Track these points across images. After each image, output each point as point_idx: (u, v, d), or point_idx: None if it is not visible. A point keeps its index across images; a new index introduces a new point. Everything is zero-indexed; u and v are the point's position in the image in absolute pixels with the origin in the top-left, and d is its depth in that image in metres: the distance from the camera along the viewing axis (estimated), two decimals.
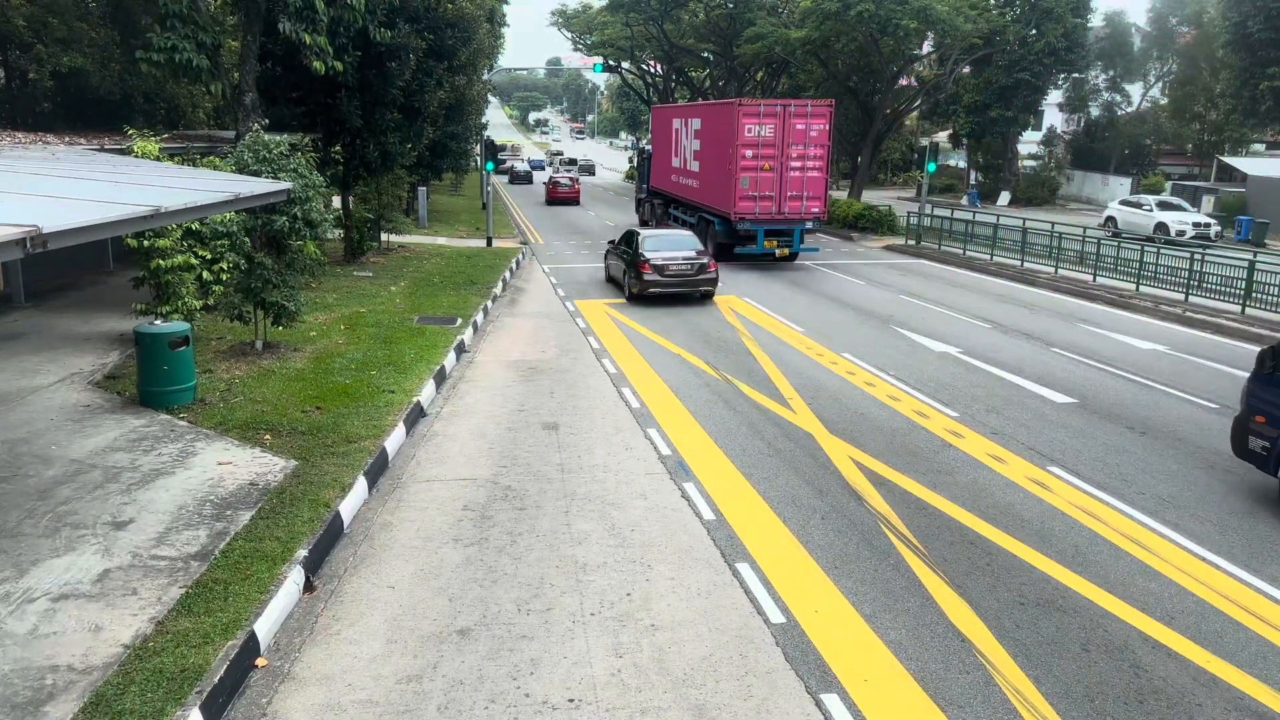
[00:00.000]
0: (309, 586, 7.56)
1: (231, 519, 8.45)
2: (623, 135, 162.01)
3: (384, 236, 27.85)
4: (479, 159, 52.45)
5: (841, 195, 45.52)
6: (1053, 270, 24.79)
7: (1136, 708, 6.11)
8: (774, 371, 14.86)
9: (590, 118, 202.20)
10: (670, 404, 13.05)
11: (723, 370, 14.91)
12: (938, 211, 33.80)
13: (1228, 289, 19.59)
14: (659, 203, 34.43)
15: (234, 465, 9.75)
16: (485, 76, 46.63)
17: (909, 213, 32.96)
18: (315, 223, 13.60)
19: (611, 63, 53.25)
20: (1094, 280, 23.16)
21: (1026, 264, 26.04)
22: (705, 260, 20.97)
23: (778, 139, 25.50)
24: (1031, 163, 62.48)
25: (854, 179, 42.21)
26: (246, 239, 13.63)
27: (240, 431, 10.78)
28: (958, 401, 13.19)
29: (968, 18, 34.60)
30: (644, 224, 35.28)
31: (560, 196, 51.44)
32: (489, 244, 30.52)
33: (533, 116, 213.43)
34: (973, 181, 64.00)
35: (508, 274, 24.70)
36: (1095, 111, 60.33)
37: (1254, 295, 18.81)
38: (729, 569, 7.97)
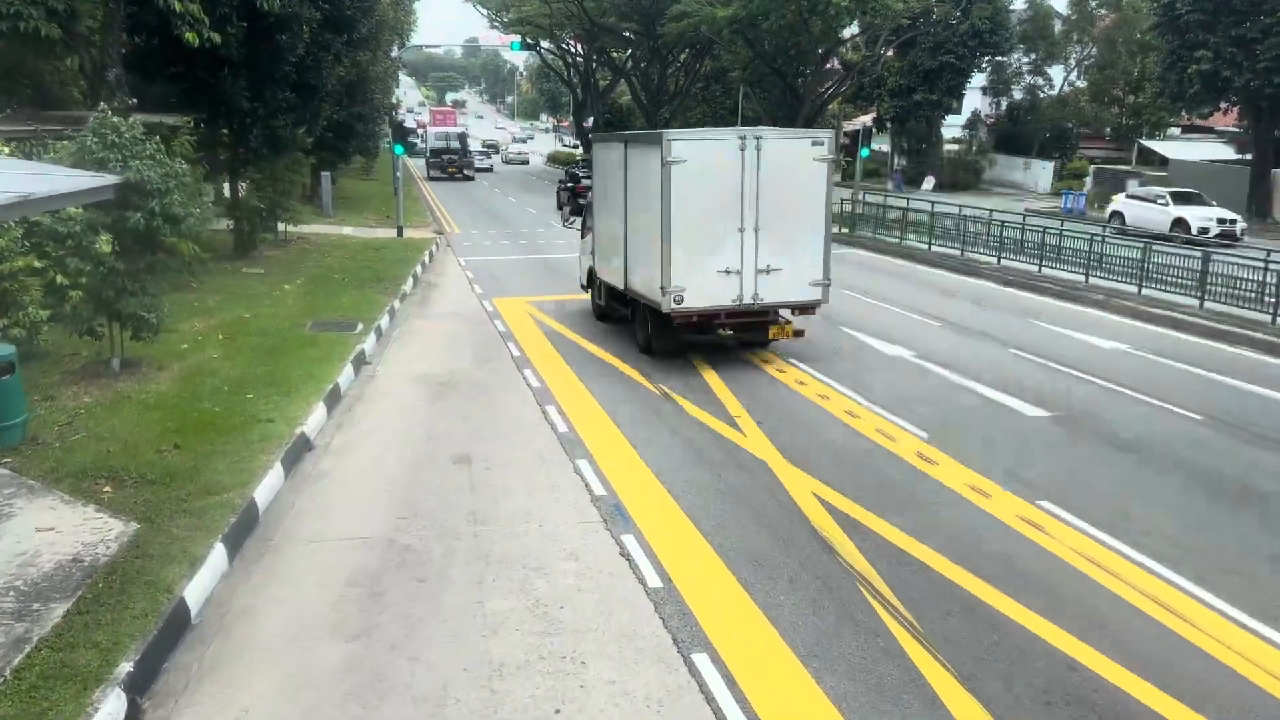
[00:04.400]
0: (133, 717, 5.69)
1: (38, 616, 6.49)
2: (543, 117, 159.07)
3: (281, 227, 25.48)
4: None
5: None
6: (995, 260, 23.76)
7: None
8: (716, 383, 13.28)
9: (510, 99, 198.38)
10: (602, 425, 11.36)
11: (659, 382, 13.28)
12: (870, 198, 32.69)
13: (1181, 281, 18.70)
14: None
15: (57, 532, 7.74)
16: (395, 54, 44.07)
17: (841, 200, 31.73)
18: (177, 218, 11.50)
19: (529, 41, 51.03)
20: (1039, 270, 22.17)
21: (967, 253, 25.00)
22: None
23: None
24: (954, 147, 62.27)
25: None
26: (105, 238, 11.44)
27: (74, 481, 8.73)
28: (922, 417, 11.79)
29: None
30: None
31: None
32: (400, 234, 28.35)
33: (450, 98, 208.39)
34: (896, 165, 63.59)
35: (419, 268, 22.65)
36: (1018, 95, 60.30)
37: (1208, 288, 17.93)
38: (684, 664, 6.33)
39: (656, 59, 55.96)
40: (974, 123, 60.04)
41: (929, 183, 58.09)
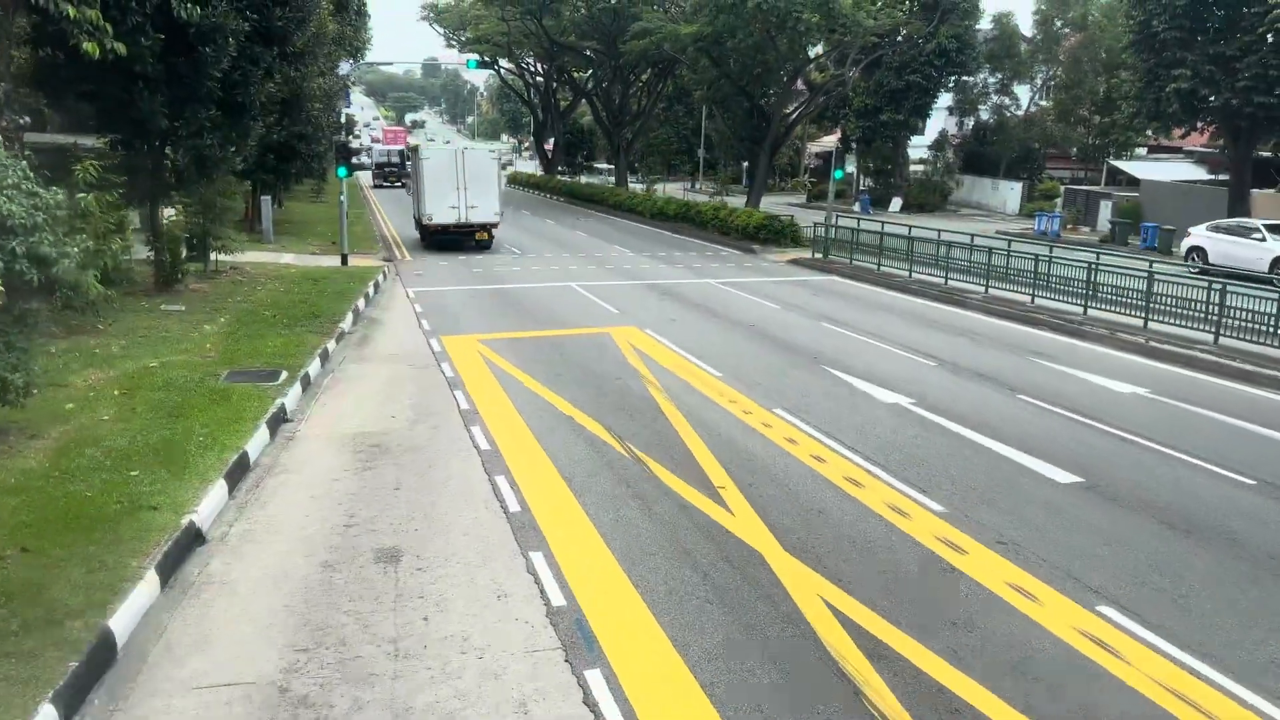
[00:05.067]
0: None
1: None
2: (504, 138, 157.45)
3: (214, 256, 23.39)
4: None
5: (736, 203, 42.87)
6: (982, 289, 22.31)
7: None
8: (695, 441, 11.52)
9: (470, 119, 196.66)
10: (562, 502, 9.54)
11: (629, 441, 11.48)
12: (843, 221, 31.28)
13: (1194, 314, 17.28)
14: None
15: None
16: (345, 70, 42.12)
17: (815, 223, 30.32)
18: (47, 260, 9.53)
19: (487, 59, 49.33)
20: (1033, 301, 20.72)
21: (951, 281, 23.54)
22: None
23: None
24: (920, 168, 61.44)
25: (751, 186, 39.47)
26: None
27: None
28: (937, 485, 10.11)
29: (869, 13, 32.22)
30: None
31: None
32: (344, 262, 26.34)
33: (409, 118, 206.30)
34: (862, 187, 62.61)
35: (362, 302, 20.69)
36: (984, 115, 59.63)
37: (1226, 323, 16.51)
38: None
39: (618, 79, 54.48)
40: (941, 143, 59.22)
41: (896, 204, 57.14)
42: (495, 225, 30.92)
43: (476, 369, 15.22)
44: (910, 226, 28.67)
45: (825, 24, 31.29)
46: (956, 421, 12.48)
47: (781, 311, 20.92)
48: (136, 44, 16.40)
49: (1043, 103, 60.15)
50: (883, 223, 29.69)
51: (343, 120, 39.49)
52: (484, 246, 31.19)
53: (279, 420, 11.92)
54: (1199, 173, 49.59)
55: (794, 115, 38.43)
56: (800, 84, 40.94)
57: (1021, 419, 12.72)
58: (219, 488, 9.33)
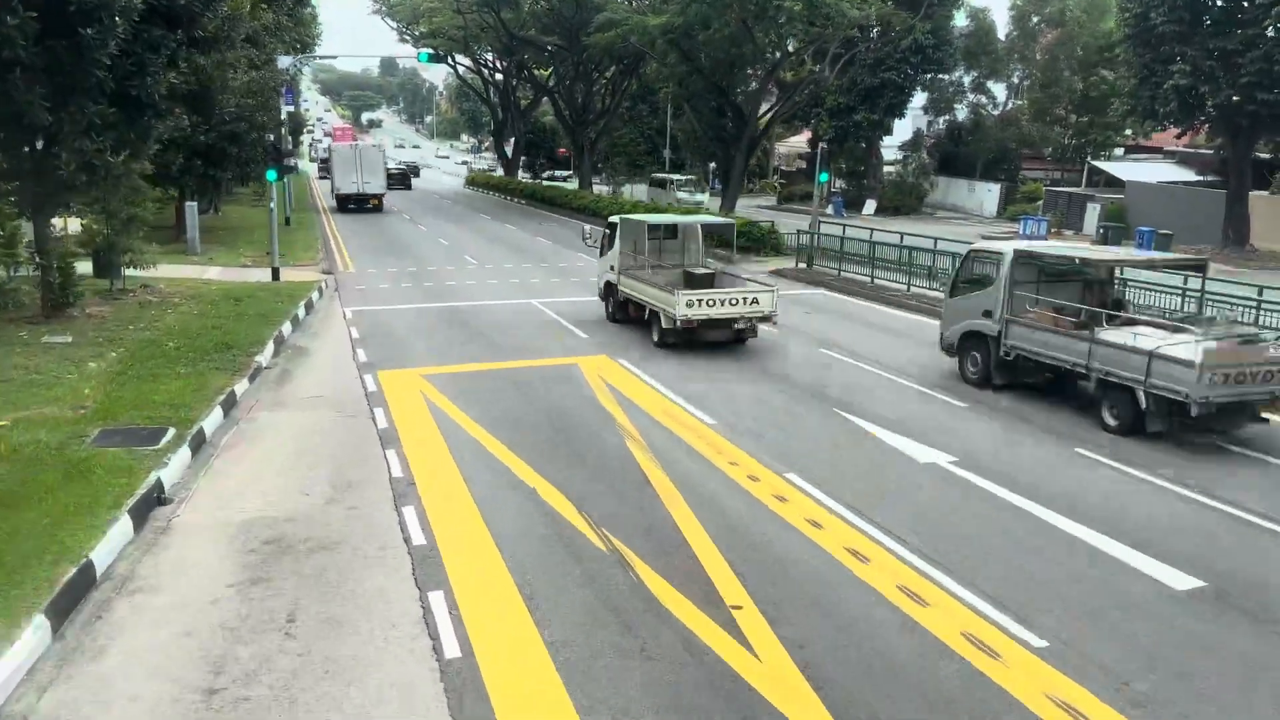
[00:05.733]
0: None
1: None
2: (464, 137, 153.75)
3: (127, 272, 20.41)
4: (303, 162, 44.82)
5: (713, 205, 40.45)
6: None
7: None
8: (693, 528, 8.93)
9: (429, 119, 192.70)
10: (521, 639, 6.91)
11: (609, 527, 8.87)
12: (827, 228, 28.92)
13: None
14: None
15: None
16: (288, 64, 39.01)
17: (799, 231, 27.90)
18: None
19: (441, 53, 46.40)
20: None
21: None
22: None
23: None
24: (891, 169, 59.41)
25: (725, 189, 36.98)
26: None
27: None
28: (1012, 592, 7.64)
29: (852, 3, 29.85)
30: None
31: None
32: (275, 276, 23.42)
33: (366, 117, 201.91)
34: (834, 189, 60.47)
35: (288, 326, 17.86)
36: (961, 114, 57.71)
37: None
38: None
39: (581, 75, 51.79)
40: (916, 143, 57.24)
41: (870, 206, 55.00)
42: (382, 195, 47.26)
43: (417, 416, 12.52)
44: (902, 234, 26.33)
45: (807, 14, 28.89)
46: (1014, 490, 10.01)
47: (774, 334, 18.41)
48: (3, 23, 13.57)
49: (1019, 101, 58.37)
50: (871, 230, 27.33)
51: (284, 118, 36.30)
52: (378, 210, 46.35)
53: (151, 503, 9.15)
54: (1182, 173, 48.04)
55: (770, 113, 35.93)
56: (772, 84, 38.51)
57: (1091, 489, 10.30)
58: (37, 630, 6.59)
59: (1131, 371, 11.67)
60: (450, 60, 58.87)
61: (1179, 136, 43.31)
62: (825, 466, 10.73)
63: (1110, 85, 51.63)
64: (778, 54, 33.86)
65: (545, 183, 62.79)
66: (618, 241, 18.49)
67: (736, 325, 16.38)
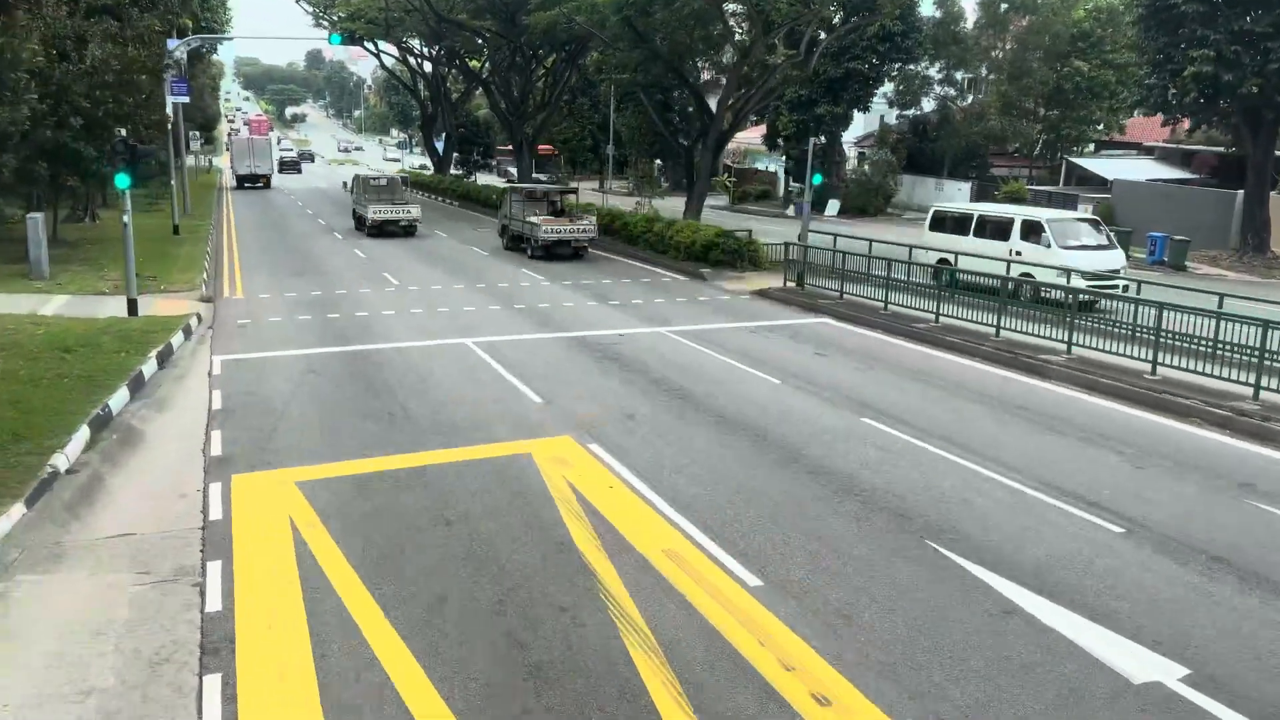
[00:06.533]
0: None
1: None
2: (394, 132, 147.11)
3: None
4: (176, 160, 39.26)
5: (664, 208, 35.85)
6: (1063, 346, 15.67)
7: None
8: None
9: (356, 113, 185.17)
10: None
11: None
12: (816, 238, 24.55)
13: None
14: None
15: None
16: (174, 47, 33.38)
17: (786, 244, 23.39)
18: None
19: (358, 35, 40.94)
20: (1154, 372, 14.15)
21: (1004, 332, 16.87)
22: None
23: None
24: (851, 165, 55.47)
25: (690, 192, 32.35)
26: None
27: None
28: None
29: None
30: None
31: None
32: (132, 311, 18.17)
33: (290, 111, 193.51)
34: (792, 187, 56.35)
35: (122, 394, 12.78)
36: (928, 107, 53.93)
37: None
38: None
39: (518, 63, 46.76)
40: (883, 138, 53.38)
41: (833, 207, 50.95)
42: (270, 175, 60.73)
43: (275, 576, 7.71)
44: (911, 249, 22.07)
45: None
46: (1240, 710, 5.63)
47: (787, 391, 13.88)
48: None
49: (981, 97, 54.71)
50: (870, 242, 22.99)
51: (169, 111, 30.76)
52: (266, 186, 58.79)
53: None
54: (1162, 170, 44.83)
55: (742, 104, 31.40)
56: (742, 72, 33.90)
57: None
58: None
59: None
60: (372, 47, 53.34)
61: (1190, 132, 39.76)
62: (945, 676, 6.21)
63: (1084, 76, 48.44)
64: (747, 36, 29.27)
65: (481, 181, 57.59)
66: (508, 197, 30.30)
67: (573, 244, 27.74)
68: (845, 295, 20.77)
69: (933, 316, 18.13)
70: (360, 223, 34.54)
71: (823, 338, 17.98)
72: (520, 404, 13.07)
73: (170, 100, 32.85)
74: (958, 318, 17.86)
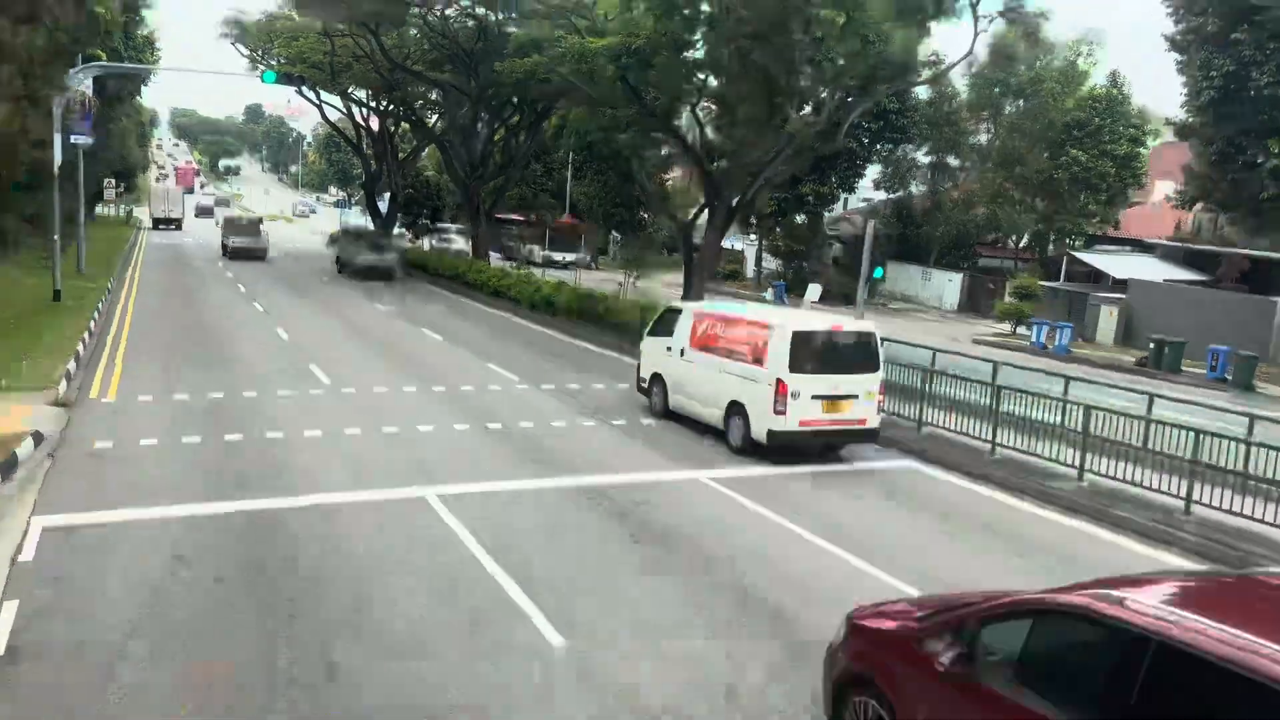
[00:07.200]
0: None
1: None
2: (333, 190, 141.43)
3: None
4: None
5: (651, 289, 31.11)
6: (1183, 505, 10.89)
7: None
8: None
9: (294, 169, 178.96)
10: None
11: None
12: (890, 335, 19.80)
13: None
14: None
15: None
16: (77, 74, 27.85)
17: None
18: None
19: (297, 75, 35.79)
20: None
21: (1088, 473, 12.07)
22: None
23: None
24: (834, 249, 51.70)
25: (689, 277, 27.58)
26: None
27: None
28: None
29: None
30: None
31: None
32: None
33: (224, 163, 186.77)
34: (770, 269, 52.30)
35: None
36: (916, 191, 50.44)
37: None
38: None
39: (480, 119, 42.08)
40: (873, 217, 49.51)
41: (814, 292, 46.74)
42: (181, 219, 74.14)
43: None
44: (965, 356, 17.43)
45: (851, 30, 19.95)
46: None
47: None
48: None
49: (973, 183, 51.52)
50: (934, 352, 18.31)
51: (56, 152, 25.13)
52: (179, 228, 70.70)
53: None
54: (1172, 270, 41.58)
55: (768, 172, 26.88)
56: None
57: None
58: None
59: None
60: (313, 96, 48.18)
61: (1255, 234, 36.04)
62: None
63: (1081, 166, 45.51)
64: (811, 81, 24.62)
65: (435, 247, 52.36)
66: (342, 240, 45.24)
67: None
68: (924, 428, 15.85)
69: (1077, 474, 13.24)
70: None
71: (919, 495, 13.02)
72: (521, 628, 7.80)
73: (72, 139, 27.38)
74: (1020, 451, 13.04)
